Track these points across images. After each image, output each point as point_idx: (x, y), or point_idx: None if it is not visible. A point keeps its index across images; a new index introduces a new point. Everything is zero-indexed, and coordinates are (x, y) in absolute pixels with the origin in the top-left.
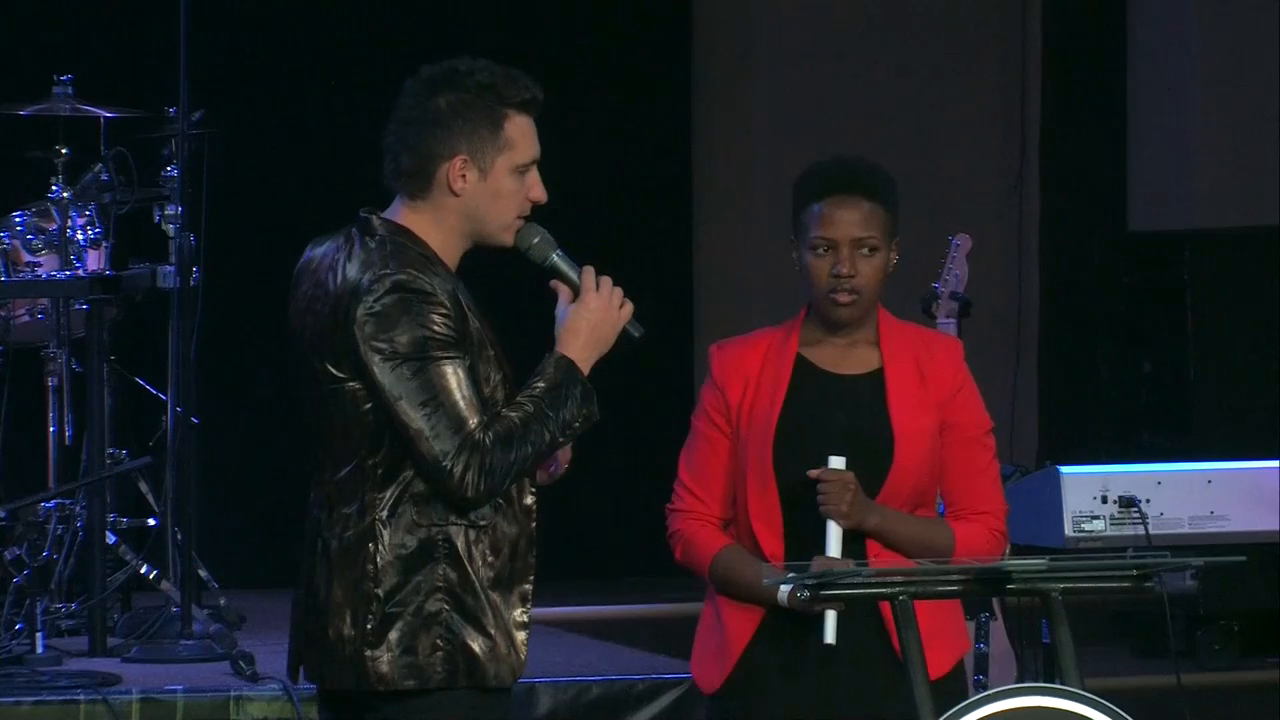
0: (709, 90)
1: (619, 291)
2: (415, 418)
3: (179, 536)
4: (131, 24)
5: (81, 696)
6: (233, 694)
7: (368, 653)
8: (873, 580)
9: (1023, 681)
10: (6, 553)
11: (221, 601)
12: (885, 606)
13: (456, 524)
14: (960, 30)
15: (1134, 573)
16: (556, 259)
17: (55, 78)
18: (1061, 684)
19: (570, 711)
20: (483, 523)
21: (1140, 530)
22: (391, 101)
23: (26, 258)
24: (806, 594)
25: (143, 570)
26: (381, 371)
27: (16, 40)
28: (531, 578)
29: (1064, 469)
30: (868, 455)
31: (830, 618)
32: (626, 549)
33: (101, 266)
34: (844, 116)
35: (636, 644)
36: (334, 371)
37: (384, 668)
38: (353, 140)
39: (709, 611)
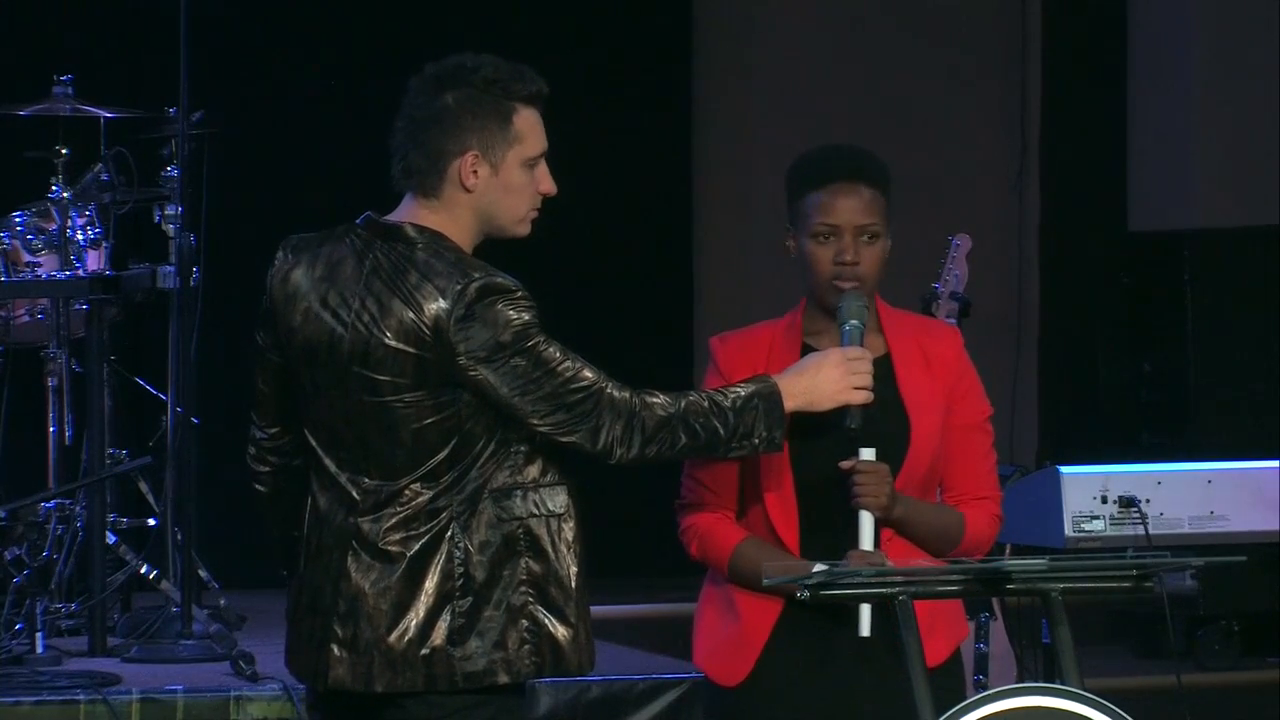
0: (709, 90)
1: (862, 371)
2: (544, 401)
3: (179, 536)
4: (131, 24)
5: (81, 696)
6: (233, 694)
7: (453, 651)
8: (873, 580)
9: (1023, 681)
10: (6, 553)
11: (221, 601)
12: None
13: (537, 516)
14: (960, 30)
15: (1134, 573)
16: (849, 327)
17: (55, 78)
18: (1061, 684)
19: (570, 711)
20: (560, 511)
21: (1140, 530)
22: (391, 101)
23: (26, 258)
24: (807, 594)
25: (143, 570)
26: (493, 372)
27: (16, 40)
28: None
29: (1064, 469)
30: (885, 439)
31: (865, 610)
32: (627, 549)
33: (101, 266)
34: (844, 116)
35: (636, 644)
36: (396, 382)
37: (474, 665)
38: (353, 140)
39: (717, 600)
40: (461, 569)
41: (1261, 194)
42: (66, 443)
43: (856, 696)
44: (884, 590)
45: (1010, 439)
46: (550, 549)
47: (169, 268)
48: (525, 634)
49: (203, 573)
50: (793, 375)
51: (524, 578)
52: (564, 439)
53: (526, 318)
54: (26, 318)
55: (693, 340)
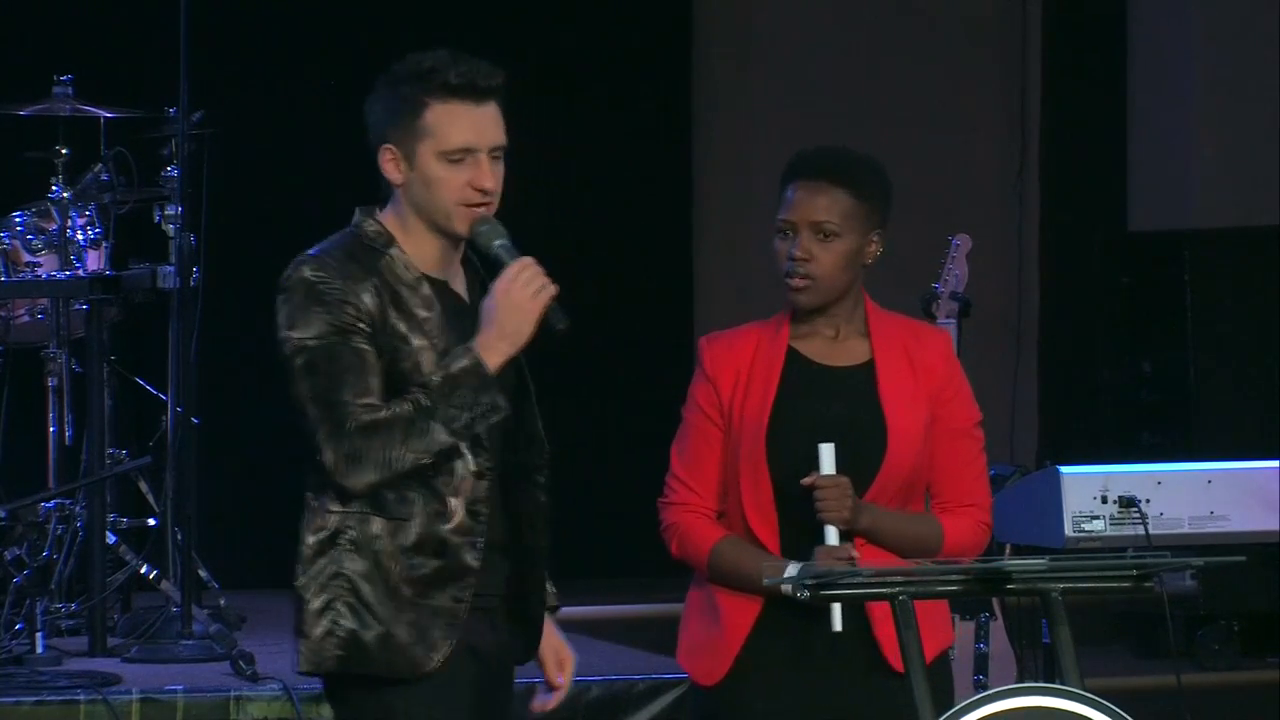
0: (709, 90)
1: (536, 278)
2: (304, 407)
3: (179, 536)
4: (131, 24)
5: (81, 696)
6: (233, 694)
7: (299, 640)
8: (873, 580)
9: (1023, 681)
10: (6, 553)
11: (221, 601)
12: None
13: (368, 514)
14: (960, 30)
15: (1134, 573)
16: (497, 247)
17: (55, 78)
18: (1061, 684)
19: (570, 711)
20: (398, 516)
21: (1140, 530)
22: None
23: (26, 258)
24: (806, 594)
25: (143, 570)
26: (286, 363)
27: (16, 40)
28: (471, 580)
29: (1064, 469)
30: (861, 448)
31: (836, 605)
32: (626, 549)
33: (101, 266)
34: (844, 116)
35: (636, 644)
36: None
37: (305, 651)
38: (353, 140)
39: (699, 601)
40: (307, 555)
41: (1261, 194)
42: (66, 443)
43: (831, 694)
44: (884, 590)
45: (1010, 439)
46: (376, 549)
47: (169, 268)
48: (332, 626)
49: (203, 573)
50: (485, 332)
51: (341, 572)
52: (312, 451)
53: (322, 321)
54: (26, 318)
55: (693, 340)
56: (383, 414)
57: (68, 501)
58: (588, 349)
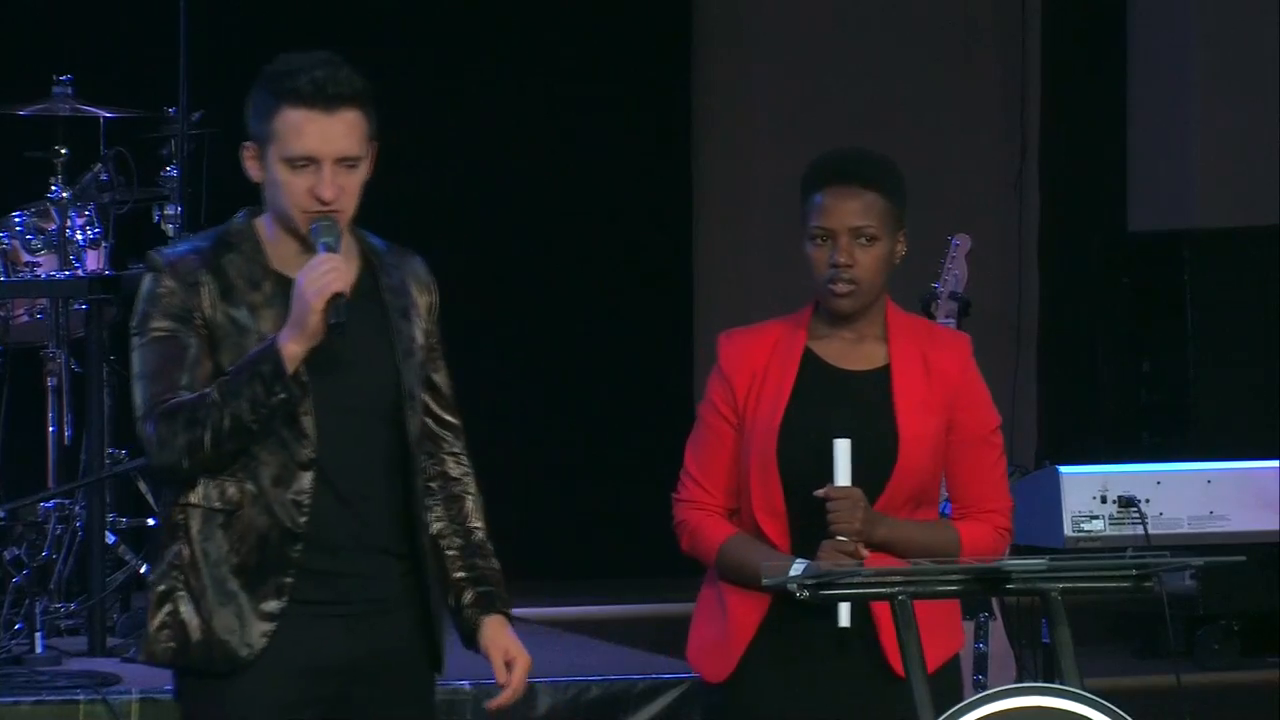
0: (709, 90)
1: (327, 274)
2: (132, 389)
3: None
4: (131, 24)
5: (81, 696)
6: None
7: (146, 629)
8: (873, 580)
9: (1023, 681)
10: (6, 553)
11: None
12: (874, 604)
13: (197, 505)
14: (960, 30)
15: (1134, 573)
16: (319, 246)
17: (55, 78)
18: (1061, 684)
19: (570, 711)
20: (217, 505)
21: (1140, 530)
22: (388, 100)
23: (26, 258)
24: (807, 594)
25: (143, 570)
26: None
27: (16, 40)
28: (292, 571)
29: (1064, 469)
30: (871, 455)
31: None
32: (626, 549)
33: (101, 266)
34: (844, 116)
35: (636, 644)
36: None
37: (143, 642)
38: None
39: (710, 599)
40: (159, 546)
41: (1261, 194)
42: (66, 443)
43: (835, 696)
44: (884, 590)
45: (1010, 439)
46: (201, 539)
47: None
48: (166, 618)
49: None
50: (286, 325)
51: (176, 563)
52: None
53: (150, 308)
54: (26, 318)
55: (693, 340)
56: (182, 400)
57: (67, 501)
58: (587, 349)
